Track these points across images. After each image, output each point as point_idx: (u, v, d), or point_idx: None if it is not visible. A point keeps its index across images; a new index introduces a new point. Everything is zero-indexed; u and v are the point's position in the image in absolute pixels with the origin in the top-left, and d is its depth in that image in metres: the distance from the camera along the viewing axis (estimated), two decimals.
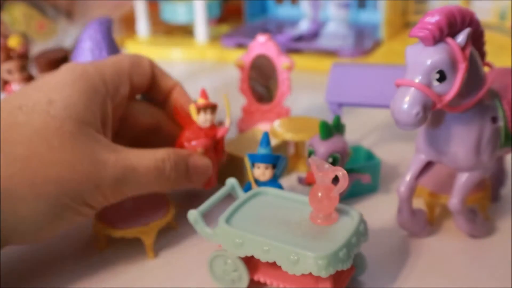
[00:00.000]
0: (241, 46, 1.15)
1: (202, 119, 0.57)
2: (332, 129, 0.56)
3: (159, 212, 0.54)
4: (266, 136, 0.54)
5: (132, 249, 0.55)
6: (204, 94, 0.58)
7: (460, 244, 0.54)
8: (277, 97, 0.74)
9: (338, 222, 0.46)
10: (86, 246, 0.55)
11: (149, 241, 0.53)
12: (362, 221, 0.47)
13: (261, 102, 0.76)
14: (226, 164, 0.63)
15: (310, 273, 0.43)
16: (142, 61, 0.59)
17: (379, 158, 0.63)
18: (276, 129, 0.67)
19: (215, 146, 0.59)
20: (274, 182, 0.54)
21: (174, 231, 0.57)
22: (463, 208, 0.51)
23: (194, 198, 0.62)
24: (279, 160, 0.54)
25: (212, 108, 0.57)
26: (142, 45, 1.21)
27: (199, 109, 0.57)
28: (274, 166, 0.54)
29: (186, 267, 0.52)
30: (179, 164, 0.53)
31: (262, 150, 0.54)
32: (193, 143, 0.58)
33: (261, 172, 0.54)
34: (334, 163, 0.56)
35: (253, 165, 0.54)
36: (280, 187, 0.54)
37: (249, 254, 0.45)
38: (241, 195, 0.52)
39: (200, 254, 0.53)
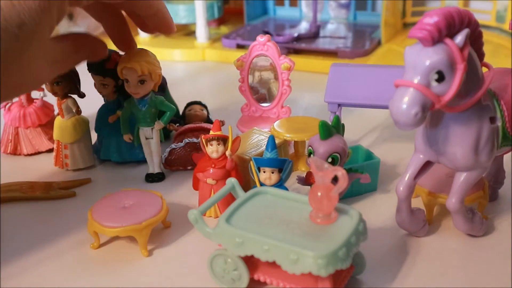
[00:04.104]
0: (241, 47, 1.15)
1: (209, 150, 0.57)
2: (331, 129, 0.56)
3: (152, 211, 0.55)
4: (272, 139, 0.54)
5: (126, 247, 0.55)
6: (216, 126, 0.58)
7: (458, 243, 0.54)
8: (277, 97, 0.74)
9: (338, 221, 0.47)
10: (80, 246, 0.55)
11: (142, 240, 0.53)
12: (361, 221, 0.47)
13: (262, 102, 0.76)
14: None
15: (310, 272, 0.43)
16: None
17: (378, 158, 0.63)
18: (276, 129, 0.67)
19: (229, 175, 0.57)
20: (280, 186, 0.54)
21: (170, 230, 0.58)
22: (462, 208, 0.51)
23: (192, 197, 0.62)
24: (285, 164, 0.54)
25: (221, 140, 0.57)
26: (143, 45, 1.20)
27: (207, 141, 0.57)
28: (280, 170, 0.54)
29: (184, 266, 0.52)
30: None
31: (268, 154, 0.54)
32: (200, 174, 0.58)
33: (267, 176, 0.53)
34: (333, 163, 0.56)
35: (259, 169, 0.54)
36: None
37: (249, 254, 0.45)
38: (241, 194, 0.52)
39: (199, 253, 0.53)
